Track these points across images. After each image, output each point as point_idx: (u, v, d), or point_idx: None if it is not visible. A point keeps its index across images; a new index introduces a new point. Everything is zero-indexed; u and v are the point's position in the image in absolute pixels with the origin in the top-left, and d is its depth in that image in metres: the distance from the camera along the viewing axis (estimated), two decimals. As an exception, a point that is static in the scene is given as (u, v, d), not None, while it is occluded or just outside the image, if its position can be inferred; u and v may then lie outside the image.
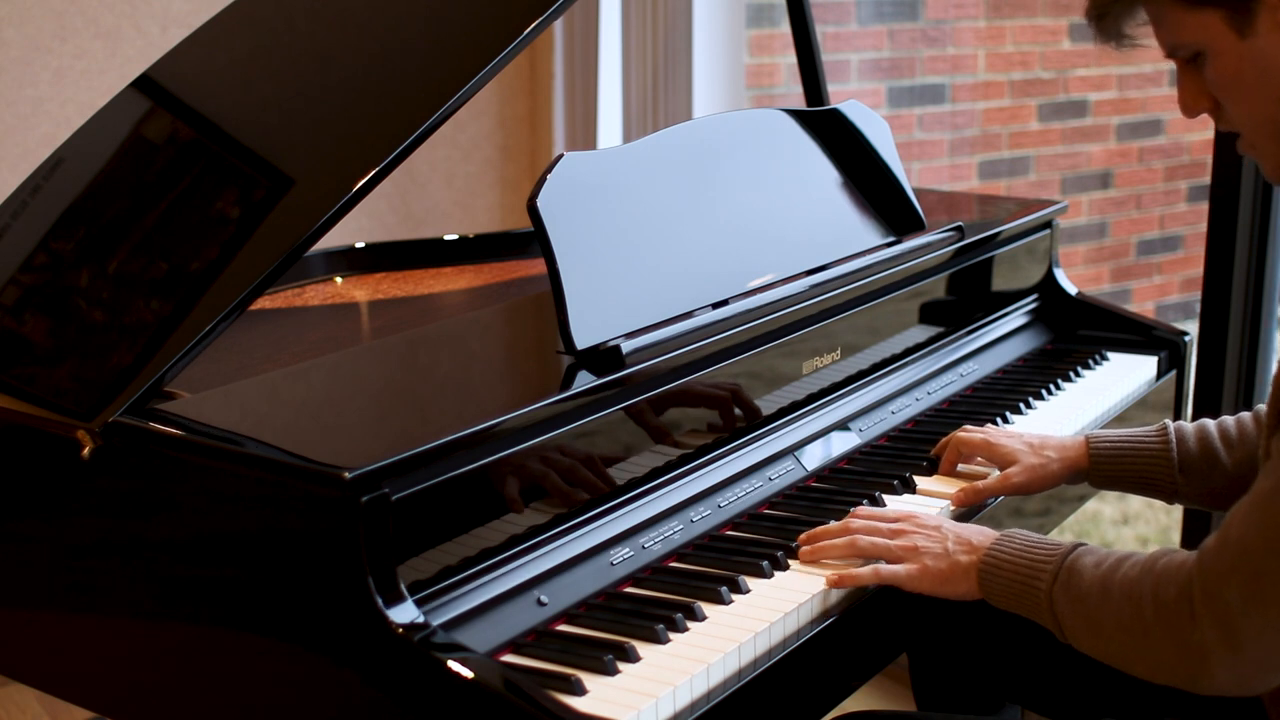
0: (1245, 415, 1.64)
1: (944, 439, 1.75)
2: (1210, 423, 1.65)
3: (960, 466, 1.73)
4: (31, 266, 1.64)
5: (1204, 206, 3.13)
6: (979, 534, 1.43)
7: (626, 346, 1.46)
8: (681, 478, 1.55)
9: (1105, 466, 1.67)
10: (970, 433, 1.72)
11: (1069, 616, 1.33)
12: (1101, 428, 1.97)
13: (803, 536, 1.50)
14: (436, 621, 1.23)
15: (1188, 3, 1.27)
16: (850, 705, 1.56)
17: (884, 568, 1.42)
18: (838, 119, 1.99)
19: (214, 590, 1.32)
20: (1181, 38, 1.29)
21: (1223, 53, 1.26)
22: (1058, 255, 2.32)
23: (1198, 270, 2.49)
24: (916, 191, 2.06)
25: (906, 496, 1.66)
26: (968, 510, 1.65)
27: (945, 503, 1.64)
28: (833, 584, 1.41)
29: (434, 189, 3.54)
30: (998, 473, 1.68)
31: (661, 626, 1.30)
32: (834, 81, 3.48)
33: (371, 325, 2.02)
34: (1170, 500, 1.66)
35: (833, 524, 1.50)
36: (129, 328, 1.49)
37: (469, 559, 1.30)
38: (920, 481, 1.69)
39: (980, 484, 1.67)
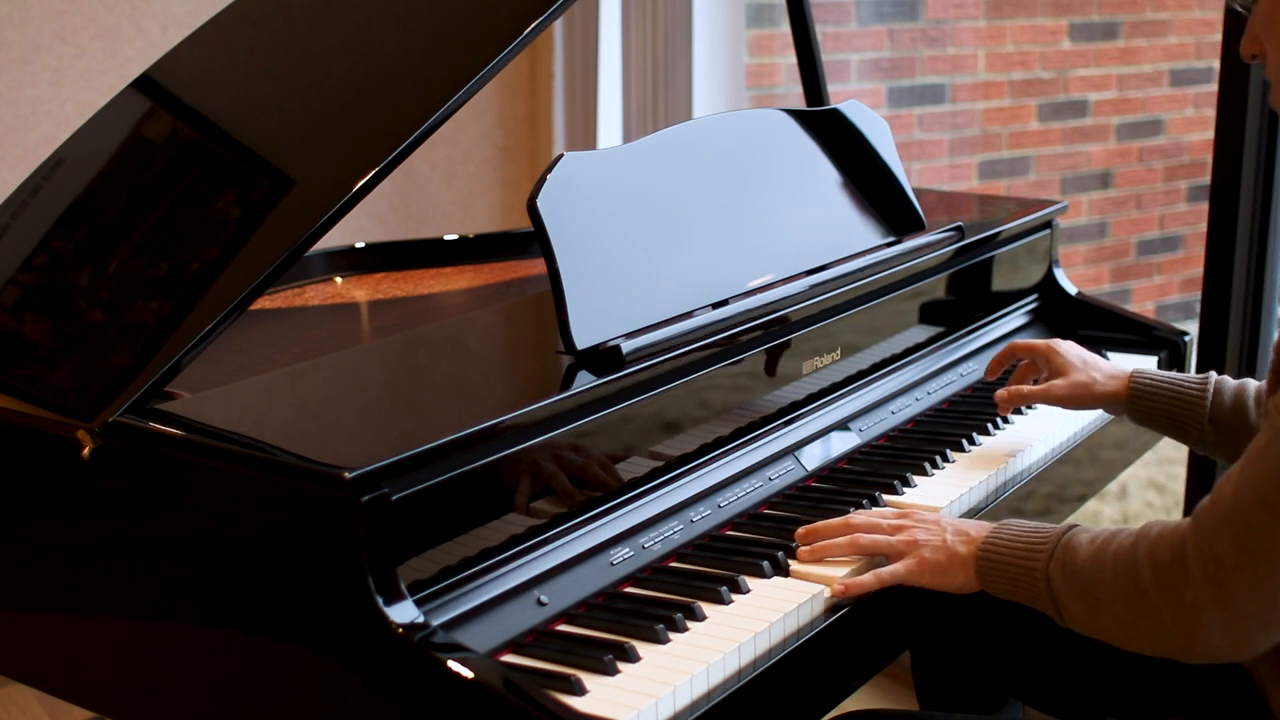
0: None
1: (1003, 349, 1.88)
2: (1252, 383, 1.68)
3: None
4: (31, 266, 1.64)
5: (1204, 206, 3.13)
6: (977, 526, 1.44)
7: (626, 346, 1.46)
8: (681, 478, 1.55)
9: (1142, 401, 1.73)
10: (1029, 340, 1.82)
11: (1065, 594, 1.33)
12: (1102, 427, 1.97)
13: (800, 532, 1.49)
14: (436, 621, 1.23)
15: None
16: (850, 705, 1.56)
17: (884, 570, 1.42)
18: (838, 119, 1.99)
19: (214, 590, 1.32)
20: None
21: None
22: (1058, 255, 2.32)
23: (1198, 270, 2.50)
24: (916, 191, 2.06)
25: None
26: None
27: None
28: (838, 594, 1.40)
29: (434, 189, 3.54)
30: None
31: (661, 626, 1.30)
32: (834, 81, 3.48)
33: (371, 325, 2.02)
34: (1199, 448, 1.71)
35: (833, 521, 1.50)
36: (129, 328, 1.48)
37: (469, 559, 1.30)
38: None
39: (1025, 388, 1.80)
